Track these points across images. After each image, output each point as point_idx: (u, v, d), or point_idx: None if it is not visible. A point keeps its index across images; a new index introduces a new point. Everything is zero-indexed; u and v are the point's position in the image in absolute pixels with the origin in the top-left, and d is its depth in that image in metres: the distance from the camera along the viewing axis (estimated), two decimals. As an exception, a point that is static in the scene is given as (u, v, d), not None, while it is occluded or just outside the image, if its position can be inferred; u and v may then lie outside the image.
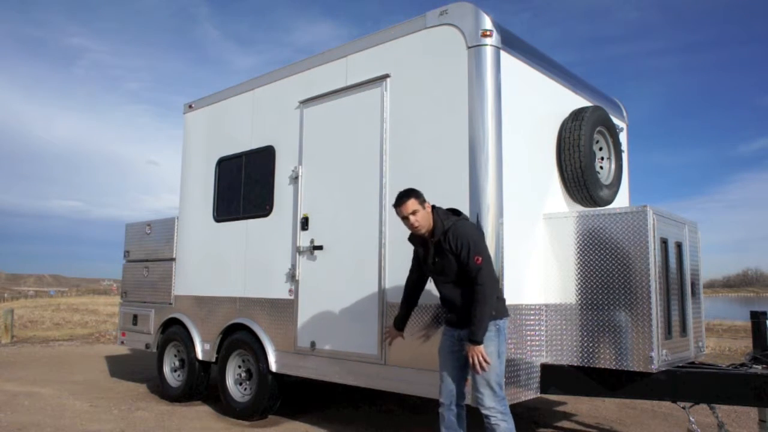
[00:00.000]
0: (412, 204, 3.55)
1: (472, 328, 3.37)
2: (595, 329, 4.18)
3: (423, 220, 3.56)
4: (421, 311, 4.25)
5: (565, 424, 5.64)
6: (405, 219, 3.59)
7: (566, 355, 4.30)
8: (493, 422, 3.41)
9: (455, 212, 3.69)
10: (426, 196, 3.90)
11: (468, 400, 3.74)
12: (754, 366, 4.05)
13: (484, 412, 3.43)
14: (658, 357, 3.94)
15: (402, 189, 3.68)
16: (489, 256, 3.51)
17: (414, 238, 3.76)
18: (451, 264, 3.50)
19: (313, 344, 4.96)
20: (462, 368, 3.63)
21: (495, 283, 3.48)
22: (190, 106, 6.82)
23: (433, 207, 3.65)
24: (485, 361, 3.38)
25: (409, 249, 4.35)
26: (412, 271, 3.98)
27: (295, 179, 5.33)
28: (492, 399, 3.42)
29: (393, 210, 4.43)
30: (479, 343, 3.37)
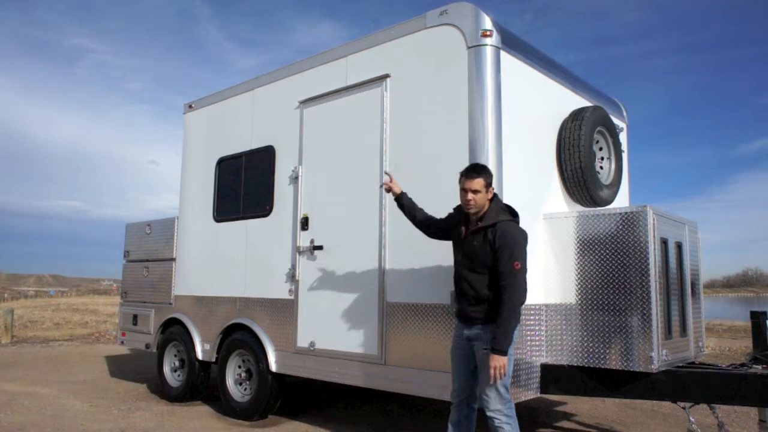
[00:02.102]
0: (478, 183, 3.49)
1: (497, 336, 3.29)
2: (595, 329, 4.18)
3: (480, 202, 3.51)
4: (423, 311, 4.25)
5: (565, 424, 5.64)
6: (464, 192, 3.52)
7: (566, 355, 4.30)
8: (497, 424, 3.37)
9: (512, 212, 3.60)
10: (426, 196, 3.90)
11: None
12: (754, 366, 4.05)
13: (489, 414, 3.40)
14: (658, 357, 3.94)
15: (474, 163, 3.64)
16: (526, 267, 3.42)
17: (460, 209, 3.68)
18: (485, 255, 3.42)
19: (313, 344, 4.96)
20: (473, 370, 3.56)
21: (525, 293, 3.40)
22: (190, 106, 6.82)
23: (495, 195, 3.60)
24: (504, 372, 3.31)
25: (409, 249, 4.36)
26: (437, 222, 3.87)
27: (295, 179, 5.33)
28: (498, 401, 3.38)
29: (393, 210, 4.46)
30: (504, 353, 3.29)
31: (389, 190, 4.08)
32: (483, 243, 3.44)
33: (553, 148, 4.81)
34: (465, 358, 3.57)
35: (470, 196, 3.49)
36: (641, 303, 3.99)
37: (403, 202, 4.02)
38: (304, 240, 5.15)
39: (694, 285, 4.75)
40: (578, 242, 4.35)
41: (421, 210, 3.99)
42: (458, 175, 3.71)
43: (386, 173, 4.25)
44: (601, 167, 5.20)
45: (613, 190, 5.18)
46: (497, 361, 3.29)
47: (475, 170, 3.54)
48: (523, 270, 3.38)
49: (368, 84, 4.81)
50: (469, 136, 4.11)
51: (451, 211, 3.80)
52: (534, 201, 4.50)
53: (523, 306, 4.15)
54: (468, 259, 3.52)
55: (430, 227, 3.92)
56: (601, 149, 5.22)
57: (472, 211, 3.53)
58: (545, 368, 4.33)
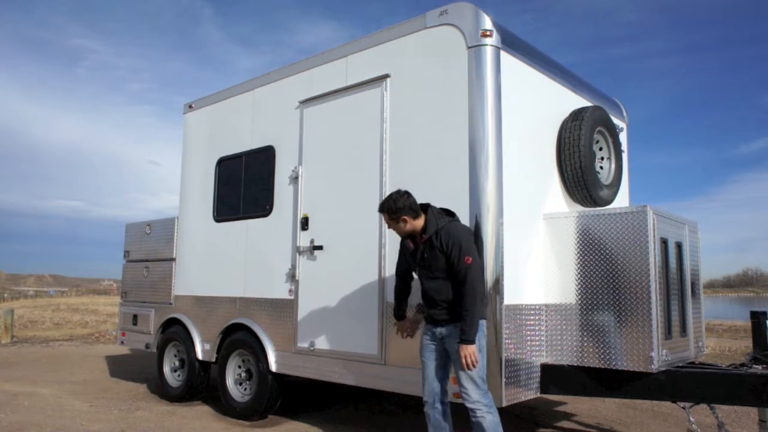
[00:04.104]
0: (385, 218, 3.78)
1: (464, 328, 3.47)
2: (595, 329, 4.18)
3: (401, 230, 3.76)
4: (421, 311, 4.24)
5: (565, 424, 5.63)
6: None
7: (566, 355, 4.30)
8: (479, 415, 3.50)
9: (449, 213, 3.79)
10: (426, 196, 3.91)
11: (452, 397, 3.81)
12: (754, 366, 4.05)
13: (470, 405, 3.52)
14: (658, 357, 3.94)
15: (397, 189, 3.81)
16: (478, 258, 3.62)
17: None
18: (439, 261, 3.61)
19: (313, 344, 4.96)
20: (443, 366, 3.73)
21: (483, 284, 3.64)
22: (190, 106, 6.82)
23: (428, 206, 3.77)
24: (476, 360, 3.47)
25: (409, 249, 4.36)
26: (400, 262, 4.05)
27: (295, 179, 5.33)
28: (476, 393, 3.52)
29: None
30: (472, 342, 3.47)
31: (405, 332, 4.08)
32: (432, 250, 3.64)
33: (553, 148, 4.80)
34: (436, 352, 3.74)
35: (391, 227, 3.80)
36: (641, 303, 3.99)
37: (401, 309, 4.07)
38: (304, 240, 5.15)
39: (694, 285, 4.75)
40: (578, 242, 4.35)
41: (395, 285, 4.06)
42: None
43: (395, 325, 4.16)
44: (601, 167, 5.20)
45: (613, 190, 5.18)
46: (466, 350, 3.46)
47: (380, 208, 3.79)
48: (476, 262, 3.56)
49: (368, 84, 4.81)
50: (469, 136, 4.11)
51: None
52: (534, 201, 4.50)
53: (523, 306, 4.18)
54: (425, 269, 3.71)
55: (406, 276, 4.02)
56: (601, 149, 5.22)
57: (403, 234, 3.79)
58: (545, 368, 4.33)
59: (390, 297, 4.45)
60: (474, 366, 3.47)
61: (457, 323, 3.58)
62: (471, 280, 3.49)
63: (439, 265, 3.62)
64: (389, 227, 3.82)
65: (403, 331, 4.08)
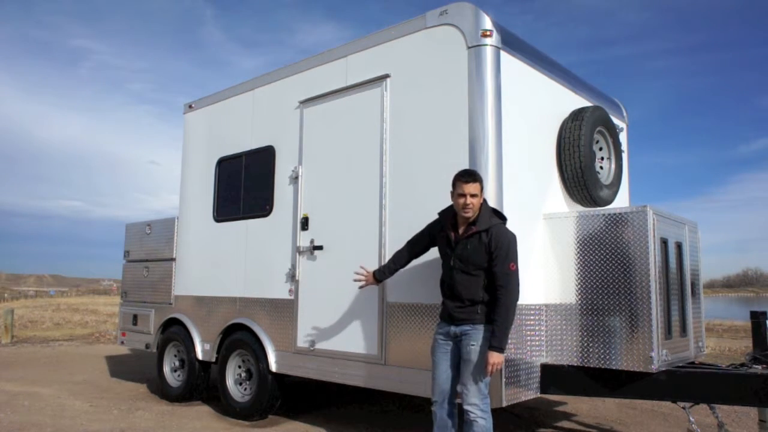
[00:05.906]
0: (476, 188, 3.57)
1: (497, 335, 3.44)
2: (595, 329, 4.18)
3: (477, 206, 3.60)
4: (423, 311, 4.25)
5: (565, 424, 5.63)
6: (462, 196, 3.56)
7: (566, 355, 4.30)
8: (472, 418, 3.48)
9: (499, 214, 3.73)
10: (426, 196, 3.91)
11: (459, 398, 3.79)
12: (754, 366, 4.05)
13: (466, 407, 3.50)
14: (658, 357, 3.94)
15: (467, 168, 3.75)
16: (518, 267, 3.57)
17: (446, 214, 3.78)
18: (480, 257, 3.54)
19: (313, 344, 4.96)
20: (455, 366, 3.67)
21: (519, 293, 3.55)
22: (190, 106, 6.82)
23: (484, 199, 3.71)
24: (499, 369, 3.47)
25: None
26: (419, 241, 4.01)
27: (295, 179, 5.33)
28: (476, 396, 3.50)
29: (393, 210, 4.45)
30: (503, 351, 3.45)
31: (367, 283, 4.22)
32: (478, 246, 3.55)
33: (553, 148, 4.81)
34: (450, 353, 3.67)
35: (469, 200, 3.57)
36: (641, 303, 3.99)
37: (387, 273, 4.14)
38: (304, 240, 5.15)
39: (694, 285, 4.75)
40: (578, 242, 4.35)
41: (400, 252, 4.10)
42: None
43: (361, 268, 4.25)
44: (601, 167, 5.20)
45: (613, 190, 5.18)
46: (496, 359, 3.43)
47: (472, 175, 3.63)
48: (517, 270, 3.54)
49: (368, 84, 4.81)
50: (469, 136, 4.11)
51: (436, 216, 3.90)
52: (534, 201, 4.51)
53: (523, 306, 4.19)
54: (462, 262, 3.61)
55: (419, 252, 4.06)
56: (601, 149, 5.22)
57: (468, 215, 3.60)
58: (545, 368, 4.33)
59: (390, 296, 4.46)
60: (493, 373, 3.47)
61: (478, 324, 3.54)
62: (512, 288, 3.48)
63: (477, 262, 3.54)
64: (465, 201, 3.54)
65: (365, 282, 4.17)
